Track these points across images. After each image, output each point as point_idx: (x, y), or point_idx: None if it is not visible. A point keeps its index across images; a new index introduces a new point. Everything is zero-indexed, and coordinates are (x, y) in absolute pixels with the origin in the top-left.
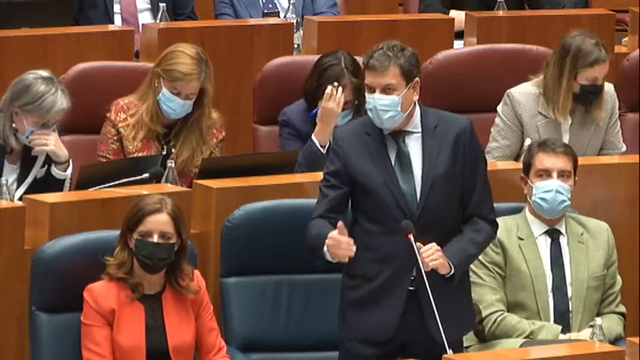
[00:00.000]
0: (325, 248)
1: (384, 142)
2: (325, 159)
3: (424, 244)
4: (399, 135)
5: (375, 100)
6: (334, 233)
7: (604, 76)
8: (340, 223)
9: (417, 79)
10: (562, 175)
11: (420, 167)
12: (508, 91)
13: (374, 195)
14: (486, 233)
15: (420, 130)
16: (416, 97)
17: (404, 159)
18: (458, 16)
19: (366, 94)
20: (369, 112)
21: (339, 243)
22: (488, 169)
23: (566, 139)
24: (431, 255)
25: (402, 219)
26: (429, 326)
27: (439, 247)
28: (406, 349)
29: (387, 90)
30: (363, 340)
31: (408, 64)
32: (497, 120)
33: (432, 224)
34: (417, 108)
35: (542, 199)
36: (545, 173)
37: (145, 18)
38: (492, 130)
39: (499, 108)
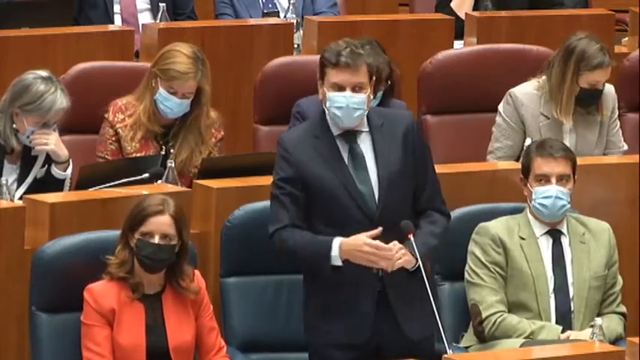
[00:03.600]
0: (337, 253)
1: (335, 143)
2: None
3: (386, 243)
4: (350, 135)
5: (347, 99)
6: (368, 239)
7: (605, 81)
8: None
9: (374, 77)
10: (561, 179)
11: (374, 166)
12: (510, 90)
13: (331, 198)
14: (442, 225)
15: (367, 129)
16: (372, 96)
17: (358, 159)
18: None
19: (332, 93)
20: (334, 111)
21: (380, 249)
22: (489, 169)
23: (567, 141)
24: (395, 254)
25: (362, 219)
26: (402, 325)
27: (400, 245)
28: (380, 350)
29: (356, 89)
30: (338, 346)
31: (372, 63)
32: (498, 120)
33: (391, 223)
34: None
35: (542, 204)
36: (544, 178)
37: (144, 18)
38: (494, 129)
39: (500, 107)
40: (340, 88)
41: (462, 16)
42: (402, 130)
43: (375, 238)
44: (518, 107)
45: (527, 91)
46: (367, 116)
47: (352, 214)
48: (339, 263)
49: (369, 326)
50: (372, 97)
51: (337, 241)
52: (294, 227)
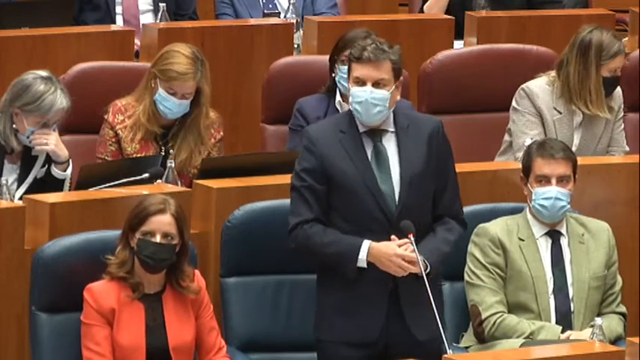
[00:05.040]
0: (365, 256)
1: (360, 140)
2: None
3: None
4: (375, 133)
5: (367, 94)
6: (400, 250)
7: (621, 66)
8: (393, 237)
9: (401, 78)
10: (561, 180)
11: (397, 166)
12: (522, 86)
13: (352, 194)
14: (458, 232)
15: (393, 129)
16: (398, 97)
17: (381, 158)
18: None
19: (353, 87)
20: (355, 106)
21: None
22: (489, 169)
23: (577, 136)
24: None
25: (381, 218)
26: (410, 325)
27: (413, 247)
28: (388, 349)
29: (378, 84)
30: (348, 343)
31: (398, 60)
32: (516, 116)
33: None
34: None
35: (542, 205)
36: (544, 179)
37: (146, 19)
38: (514, 127)
39: (515, 104)
40: (362, 82)
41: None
42: (427, 133)
43: (415, 237)
44: (534, 100)
45: (539, 85)
46: (394, 117)
47: (371, 212)
48: (364, 265)
49: (380, 325)
50: (398, 97)
51: (367, 244)
52: (319, 223)
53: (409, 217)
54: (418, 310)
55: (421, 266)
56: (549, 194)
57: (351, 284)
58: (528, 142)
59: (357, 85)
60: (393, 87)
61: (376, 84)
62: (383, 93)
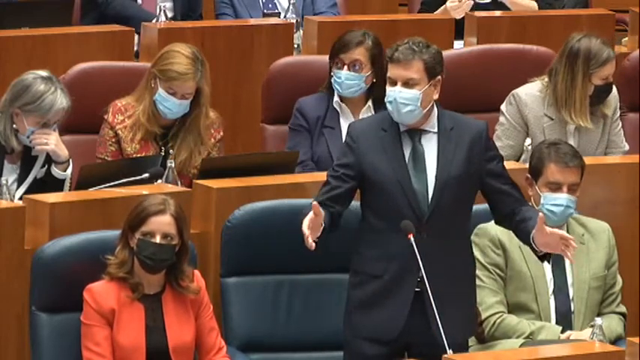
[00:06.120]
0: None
1: (400, 139)
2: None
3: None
4: (415, 133)
5: (396, 93)
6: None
7: (613, 72)
8: (315, 203)
9: (440, 77)
10: (572, 187)
11: (434, 167)
12: (514, 91)
13: (385, 192)
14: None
15: (436, 130)
16: (436, 96)
17: (418, 158)
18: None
19: (387, 87)
20: (388, 105)
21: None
22: None
23: (571, 142)
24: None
25: (411, 218)
26: (432, 329)
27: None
28: (410, 349)
29: (408, 84)
30: (369, 339)
31: (432, 60)
32: (501, 119)
33: (439, 225)
34: (435, 108)
35: (551, 211)
36: (556, 186)
37: None
38: (497, 128)
39: (503, 107)
40: (393, 82)
41: None
42: (470, 137)
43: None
44: (522, 108)
45: (530, 92)
46: (438, 118)
47: (402, 211)
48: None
49: (402, 324)
50: (436, 96)
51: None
52: (321, 205)
53: (441, 219)
54: (442, 313)
55: (422, 269)
56: (560, 201)
57: (377, 282)
58: (528, 142)
59: (389, 85)
60: (426, 86)
61: (405, 83)
62: (412, 92)
